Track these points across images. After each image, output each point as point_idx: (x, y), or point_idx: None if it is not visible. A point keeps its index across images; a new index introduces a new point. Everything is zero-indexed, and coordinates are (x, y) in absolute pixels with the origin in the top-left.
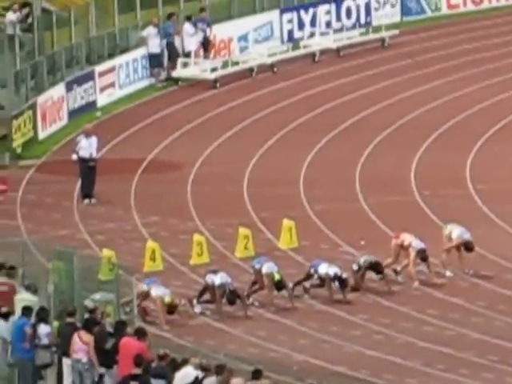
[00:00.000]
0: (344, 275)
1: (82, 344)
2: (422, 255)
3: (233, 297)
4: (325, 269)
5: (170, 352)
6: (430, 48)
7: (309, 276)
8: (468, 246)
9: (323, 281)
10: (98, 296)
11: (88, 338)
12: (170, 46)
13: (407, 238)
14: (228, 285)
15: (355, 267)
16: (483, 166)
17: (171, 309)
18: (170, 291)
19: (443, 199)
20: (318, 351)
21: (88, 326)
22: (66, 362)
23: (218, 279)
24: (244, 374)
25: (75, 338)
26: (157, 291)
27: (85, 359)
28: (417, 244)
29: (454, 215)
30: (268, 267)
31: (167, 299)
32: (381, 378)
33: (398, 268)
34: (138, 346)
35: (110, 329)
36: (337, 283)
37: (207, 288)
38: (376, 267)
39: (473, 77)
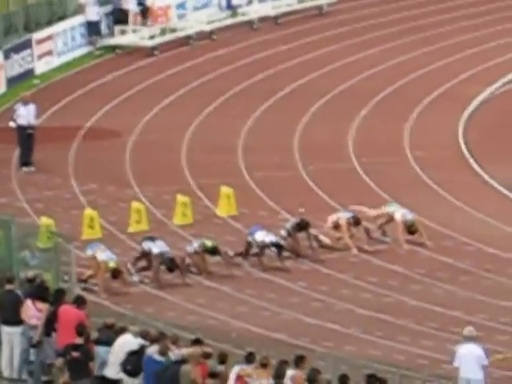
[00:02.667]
0: (282, 242)
1: (36, 311)
2: (354, 221)
3: (172, 264)
4: (261, 237)
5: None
6: (367, 15)
7: (248, 244)
8: (411, 230)
9: (262, 248)
10: (35, 261)
11: (42, 305)
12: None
13: (334, 217)
14: (166, 253)
15: (284, 233)
16: (421, 133)
17: (116, 273)
18: (116, 256)
19: (381, 166)
20: (257, 318)
21: (41, 293)
22: (4, 329)
23: (155, 248)
24: (183, 342)
25: (29, 304)
26: (102, 255)
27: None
28: (344, 215)
29: (392, 182)
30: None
31: (112, 264)
32: (320, 345)
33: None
34: (78, 315)
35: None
36: (274, 249)
37: (144, 254)
38: (302, 225)
39: (410, 44)
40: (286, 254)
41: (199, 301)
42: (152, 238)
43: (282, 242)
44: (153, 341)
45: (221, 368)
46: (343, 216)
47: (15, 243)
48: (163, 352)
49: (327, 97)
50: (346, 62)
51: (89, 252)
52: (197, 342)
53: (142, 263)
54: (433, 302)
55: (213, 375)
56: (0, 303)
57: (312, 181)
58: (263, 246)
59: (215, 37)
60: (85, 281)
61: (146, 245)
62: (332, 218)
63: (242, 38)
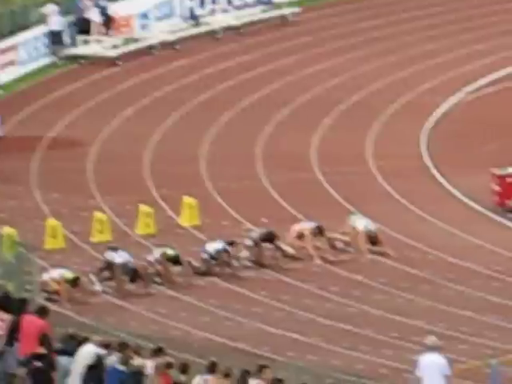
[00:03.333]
0: (228, 248)
1: None
2: (319, 230)
3: (134, 275)
4: (211, 246)
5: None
6: (331, 25)
7: (206, 261)
8: (373, 240)
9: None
10: None
11: (4, 315)
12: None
13: (298, 227)
14: (129, 263)
15: (249, 242)
16: (384, 143)
17: (76, 281)
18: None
19: (344, 176)
20: (219, 328)
21: (4, 303)
22: None
23: (118, 258)
24: (145, 352)
25: None
26: (54, 273)
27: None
28: (308, 224)
29: (355, 192)
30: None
31: (67, 274)
32: (282, 355)
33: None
34: (40, 324)
35: None
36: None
37: (106, 265)
38: (269, 237)
39: (373, 54)
40: (247, 263)
41: (162, 311)
42: (114, 249)
43: (230, 248)
44: (117, 351)
45: (183, 378)
46: (307, 226)
47: None
48: (125, 361)
49: (290, 107)
50: (310, 72)
51: (45, 277)
52: (158, 351)
53: (105, 274)
54: (394, 312)
55: None
56: None
57: (276, 191)
58: (219, 254)
59: (178, 47)
60: (48, 292)
61: (109, 255)
62: (295, 228)
63: (205, 47)
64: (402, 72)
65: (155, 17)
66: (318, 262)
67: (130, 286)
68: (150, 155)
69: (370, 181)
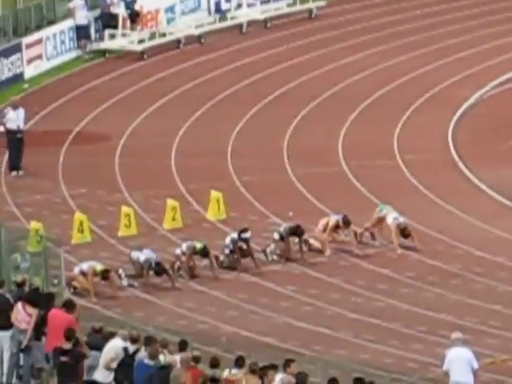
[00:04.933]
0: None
1: (25, 315)
2: (344, 222)
3: (158, 269)
4: (227, 239)
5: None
6: (357, 19)
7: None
8: (405, 233)
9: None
10: (26, 264)
11: (32, 310)
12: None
13: (325, 220)
14: (152, 259)
15: (276, 236)
16: (410, 137)
17: (105, 274)
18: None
19: (371, 170)
20: (247, 322)
21: (32, 298)
22: None
23: (142, 256)
24: (173, 347)
25: (19, 308)
26: (86, 265)
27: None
28: (334, 217)
29: (381, 186)
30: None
31: (99, 267)
32: (310, 349)
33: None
34: (67, 319)
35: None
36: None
37: (133, 264)
38: (296, 231)
39: (399, 48)
40: (274, 257)
41: (189, 305)
42: (140, 248)
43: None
44: (144, 345)
45: (213, 372)
46: (333, 218)
47: (5, 247)
48: (153, 356)
49: (317, 101)
50: (336, 66)
51: (76, 270)
52: (183, 345)
53: (132, 271)
54: (423, 306)
55: (213, 380)
56: None
57: (301, 185)
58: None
59: (204, 41)
60: (74, 288)
61: (135, 254)
62: (323, 222)
63: (230, 42)
64: (428, 66)
65: (181, 11)
66: (328, 253)
67: (157, 281)
68: (177, 149)
69: (396, 174)
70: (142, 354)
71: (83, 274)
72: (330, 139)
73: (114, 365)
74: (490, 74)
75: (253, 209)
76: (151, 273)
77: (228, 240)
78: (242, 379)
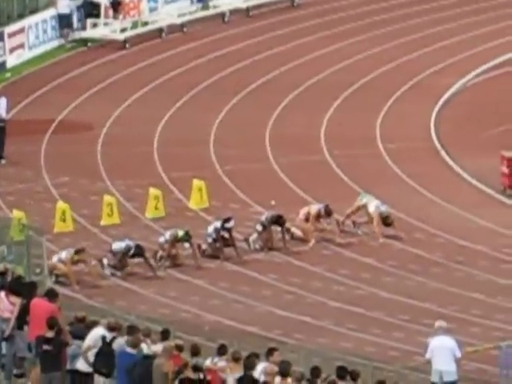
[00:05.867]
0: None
1: (8, 304)
2: (325, 211)
3: (139, 250)
4: (210, 228)
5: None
6: (339, 8)
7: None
8: (387, 222)
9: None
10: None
11: (15, 299)
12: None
13: (306, 209)
14: (132, 244)
15: (259, 227)
16: (393, 126)
17: (81, 257)
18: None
19: (353, 158)
20: (230, 311)
21: (15, 287)
22: None
23: (123, 243)
24: (156, 335)
25: (2, 297)
26: (62, 254)
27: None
28: (315, 206)
29: (364, 174)
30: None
31: (74, 255)
32: (292, 337)
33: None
34: (49, 308)
35: None
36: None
37: (115, 255)
38: (278, 221)
39: (381, 37)
40: (256, 246)
41: (171, 294)
42: (121, 239)
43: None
44: (126, 334)
45: (195, 360)
46: (314, 207)
47: None
48: (135, 344)
49: (299, 89)
50: (318, 55)
51: (54, 259)
52: (166, 333)
53: (115, 262)
54: (404, 294)
55: (196, 369)
56: None
57: (284, 174)
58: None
59: (186, 30)
60: (57, 276)
61: (116, 245)
62: (304, 211)
63: (213, 30)
64: (411, 54)
65: (163, 0)
66: (312, 243)
67: (139, 270)
68: (159, 138)
69: (378, 163)
70: (122, 342)
71: (62, 262)
72: (313, 128)
73: (91, 354)
74: (472, 62)
75: (235, 198)
76: (134, 261)
77: (211, 229)
78: (226, 368)
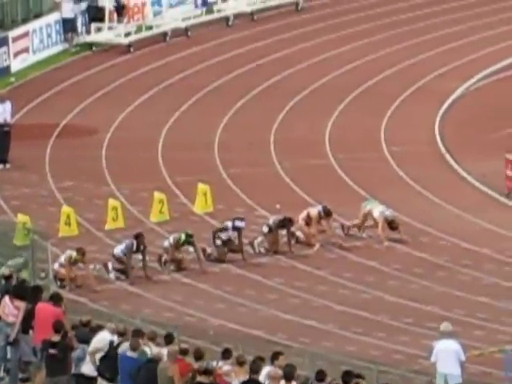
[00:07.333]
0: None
1: (13, 308)
2: (325, 212)
3: (141, 240)
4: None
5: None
6: (343, 12)
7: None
8: (392, 226)
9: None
10: (11, 262)
11: (19, 303)
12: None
13: (305, 212)
14: (130, 240)
15: (265, 229)
16: (397, 129)
17: (80, 258)
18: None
19: (357, 162)
20: (234, 315)
21: (19, 291)
22: None
23: (123, 245)
24: (161, 339)
25: (6, 301)
26: (61, 258)
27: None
28: (314, 209)
29: (368, 178)
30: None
31: (74, 254)
32: (297, 341)
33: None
34: (54, 312)
35: None
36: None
37: (118, 260)
38: (285, 224)
39: (385, 40)
40: (261, 250)
41: (176, 298)
42: (121, 242)
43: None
44: (130, 337)
45: (198, 364)
46: (313, 210)
47: None
48: (135, 347)
49: (303, 93)
50: (322, 58)
51: (62, 260)
52: (170, 336)
53: (119, 266)
54: (409, 298)
55: (206, 372)
56: None
57: (289, 177)
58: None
59: (191, 34)
60: (61, 280)
61: (117, 249)
62: (303, 215)
63: (217, 34)
64: (415, 58)
65: (168, 4)
66: (317, 247)
67: (141, 273)
68: (164, 142)
69: (383, 166)
70: (125, 347)
71: (62, 266)
72: (317, 132)
73: (97, 357)
74: (477, 66)
75: (240, 201)
76: (137, 257)
77: (224, 235)
78: (230, 372)
